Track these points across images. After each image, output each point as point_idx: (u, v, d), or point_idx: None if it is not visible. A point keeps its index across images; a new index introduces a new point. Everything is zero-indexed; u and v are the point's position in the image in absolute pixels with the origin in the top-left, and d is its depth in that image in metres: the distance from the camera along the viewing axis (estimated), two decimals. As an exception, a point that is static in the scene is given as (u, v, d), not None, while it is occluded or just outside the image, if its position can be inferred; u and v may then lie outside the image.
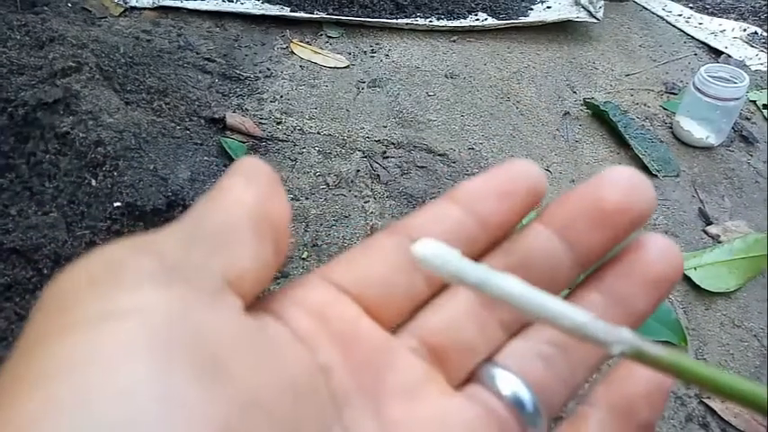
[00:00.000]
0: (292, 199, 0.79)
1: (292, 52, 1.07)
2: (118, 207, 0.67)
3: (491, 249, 0.19)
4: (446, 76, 1.07)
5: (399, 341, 0.18)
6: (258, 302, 0.16)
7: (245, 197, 0.15)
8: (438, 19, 1.20)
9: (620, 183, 0.18)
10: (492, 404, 0.18)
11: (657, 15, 1.35)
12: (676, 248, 0.18)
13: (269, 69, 1.02)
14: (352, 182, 0.83)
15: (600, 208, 0.18)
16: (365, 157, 0.87)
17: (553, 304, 0.16)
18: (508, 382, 0.18)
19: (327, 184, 0.82)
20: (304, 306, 0.16)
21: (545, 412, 0.18)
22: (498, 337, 0.18)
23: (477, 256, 0.19)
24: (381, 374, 0.17)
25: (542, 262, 0.18)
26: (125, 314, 0.12)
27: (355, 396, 0.16)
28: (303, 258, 0.72)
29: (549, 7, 1.27)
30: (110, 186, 0.68)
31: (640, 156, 0.91)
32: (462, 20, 1.21)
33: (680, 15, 1.35)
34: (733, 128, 0.97)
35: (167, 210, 0.69)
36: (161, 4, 1.10)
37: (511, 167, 0.19)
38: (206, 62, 0.98)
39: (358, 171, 0.85)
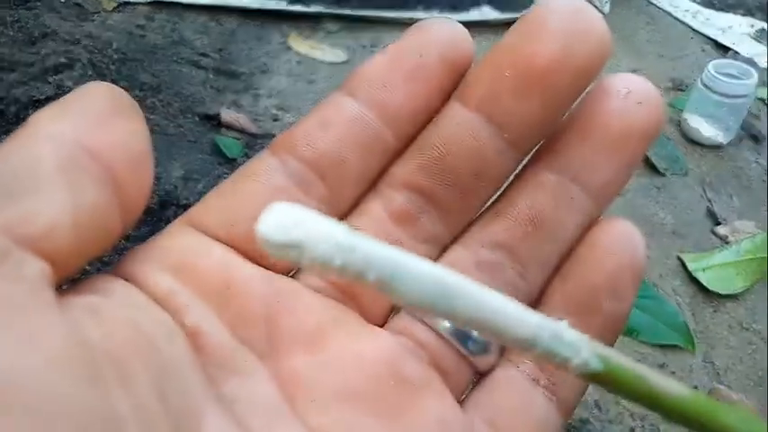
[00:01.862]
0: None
1: (289, 47, 1.05)
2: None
3: (405, 149, 0.15)
4: (447, 72, 1.06)
5: (298, 283, 0.15)
6: (115, 265, 0.14)
7: (54, 129, 0.12)
8: (440, 12, 1.19)
9: (552, 25, 0.13)
10: (420, 334, 0.15)
11: (664, 11, 1.33)
12: (650, 88, 0.14)
13: (265, 64, 1.00)
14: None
15: (528, 68, 0.13)
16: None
17: (490, 302, 0.10)
18: None
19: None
20: (166, 262, 0.14)
21: None
22: (422, 254, 0.15)
23: (389, 161, 0.15)
24: (275, 323, 0.14)
25: (465, 154, 0.14)
26: None
27: (241, 356, 0.14)
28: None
29: (552, 1, 1.26)
30: (100, 185, 0.67)
31: (647, 153, 0.90)
32: (465, 13, 1.19)
33: (687, 11, 1.34)
34: (741, 126, 0.95)
35: (160, 209, 0.68)
36: (157, -2, 1.09)
37: (418, 33, 0.14)
38: (200, 57, 0.97)
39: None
